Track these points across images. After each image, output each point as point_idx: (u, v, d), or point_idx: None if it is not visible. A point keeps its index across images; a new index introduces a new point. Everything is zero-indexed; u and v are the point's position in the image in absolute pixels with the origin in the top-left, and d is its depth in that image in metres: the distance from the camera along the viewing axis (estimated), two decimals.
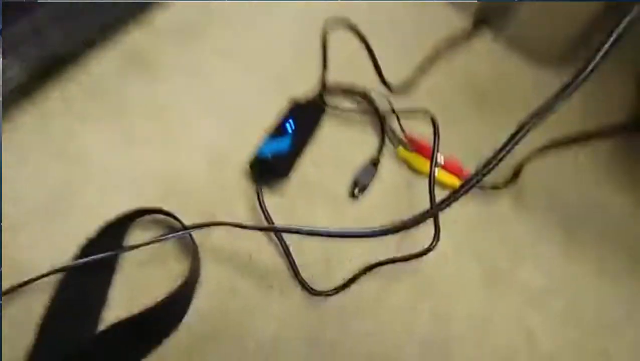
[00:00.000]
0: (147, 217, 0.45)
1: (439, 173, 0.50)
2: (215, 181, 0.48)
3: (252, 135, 0.51)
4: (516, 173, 0.50)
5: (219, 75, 0.55)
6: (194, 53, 0.56)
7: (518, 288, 0.48)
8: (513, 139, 0.47)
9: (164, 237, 0.42)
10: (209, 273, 0.44)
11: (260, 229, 0.45)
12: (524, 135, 0.46)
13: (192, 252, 0.42)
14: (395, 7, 0.63)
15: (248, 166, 0.48)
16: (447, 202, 0.34)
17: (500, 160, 0.33)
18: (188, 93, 0.53)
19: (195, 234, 0.44)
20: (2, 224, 0.42)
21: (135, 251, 0.42)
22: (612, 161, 0.56)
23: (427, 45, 0.60)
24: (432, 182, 0.47)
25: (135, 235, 0.44)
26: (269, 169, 0.47)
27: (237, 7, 0.60)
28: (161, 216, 0.45)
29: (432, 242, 0.44)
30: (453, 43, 0.59)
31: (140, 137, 0.49)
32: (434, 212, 0.35)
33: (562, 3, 0.54)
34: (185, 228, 0.42)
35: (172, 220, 0.44)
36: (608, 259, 0.51)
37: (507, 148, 0.34)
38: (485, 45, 0.62)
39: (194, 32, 0.57)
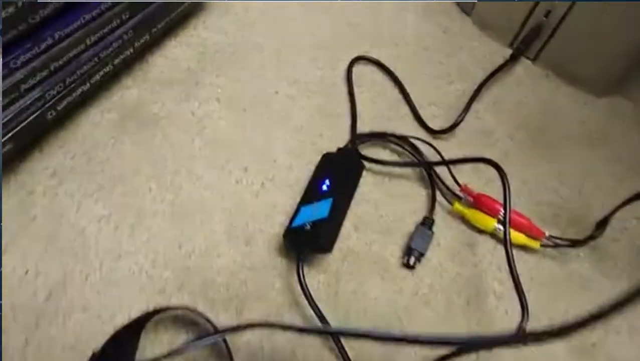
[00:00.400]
0: (167, 314, 0.36)
1: (510, 232, 0.42)
2: (240, 260, 0.40)
3: (281, 199, 0.43)
4: (600, 227, 0.42)
5: (231, 129, 0.47)
6: (198, 104, 0.48)
7: None
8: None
9: (190, 344, 0.33)
10: None
11: (311, 331, 0.36)
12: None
13: (229, 357, 0.34)
14: (424, 40, 0.56)
15: (282, 239, 0.40)
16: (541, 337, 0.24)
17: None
18: (196, 153, 0.45)
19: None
20: None
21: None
22: None
23: (465, 80, 0.53)
24: (510, 257, 0.39)
25: (151, 341, 0.36)
26: (308, 242, 0.39)
27: (239, 46, 0.52)
28: (183, 313, 0.36)
29: (521, 326, 0.36)
30: (493, 75, 0.52)
31: (145, 212, 0.41)
32: (524, 339, 0.25)
33: (608, 22, 0.48)
34: (216, 331, 0.33)
35: (195, 316, 0.36)
36: None
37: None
38: (528, 74, 0.55)
39: (194, 80, 0.49)
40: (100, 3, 0.41)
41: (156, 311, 0.35)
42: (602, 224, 0.42)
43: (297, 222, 0.39)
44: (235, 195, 0.43)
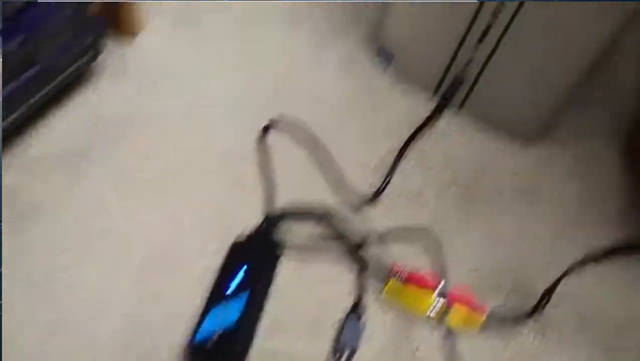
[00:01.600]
0: None
1: (450, 312, 0.38)
2: None
3: (183, 300, 0.37)
4: (544, 298, 0.39)
5: (123, 220, 0.41)
6: (87, 186, 0.42)
7: None
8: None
9: None
10: None
11: None
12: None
13: None
14: (345, 97, 0.52)
15: (182, 354, 0.34)
16: None
17: None
18: (79, 247, 0.38)
19: None
20: None
21: None
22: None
23: (390, 138, 0.49)
24: (450, 344, 0.35)
25: None
26: (215, 357, 0.33)
27: (134, 117, 0.47)
28: None
29: None
30: (419, 130, 0.49)
31: (21, 315, 0.34)
32: None
33: (528, 69, 0.46)
34: None
35: None
36: None
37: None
38: (455, 125, 0.52)
39: (84, 158, 0.43)
40: None
41: None
42: (545, 295, 0.39)
43: (202, 335, 0.34)
44: (128, 300, 0.37)
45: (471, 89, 0.50)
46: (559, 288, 0.40)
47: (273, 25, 0.56)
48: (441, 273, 0.39)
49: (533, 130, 0.52)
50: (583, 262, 0.36)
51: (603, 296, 0.43)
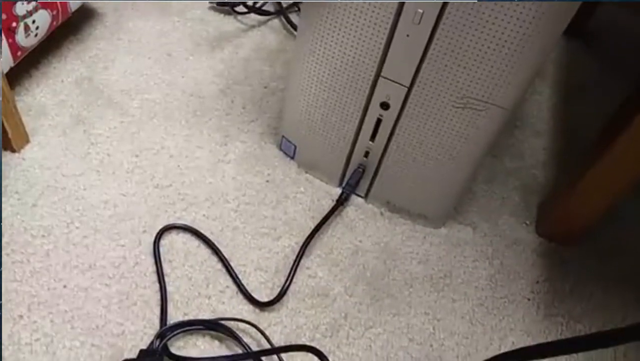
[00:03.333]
0: None
1: None
2: None
3: None
4: None
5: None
6: None
7: None
8: None
9: None
10: None
11: None
12: None
13: None
14: (245, 194, 0.51)
15: None
16: None
17: None
18: None
19: None
20: None
21: None
22: None
23: (293, 233, 0.49)
24: None
25: None
26: None
27: (23, 237, 0.44)
28: None
29: None
30: (324, 222, 0.49)
31: None
32: None
33: (425, 154, 0.47)
34: None
35: None
36: None
37: None
38: (361, 214, 0.52)
39: None
40: None
41: None
42: None
43: None
44: None
45: (374, 176, 0.51)
46: None
47: (173, 123, 0.56)
48: None
49: (439, 212, 0.52)
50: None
51: None
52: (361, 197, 0.53)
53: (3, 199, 0.46)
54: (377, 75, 0.44)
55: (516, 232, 0.53)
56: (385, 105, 0.45)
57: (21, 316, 0.40)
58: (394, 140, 0.47)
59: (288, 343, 0.41)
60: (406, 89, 0.43)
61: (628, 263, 0.52)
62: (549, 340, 0.44)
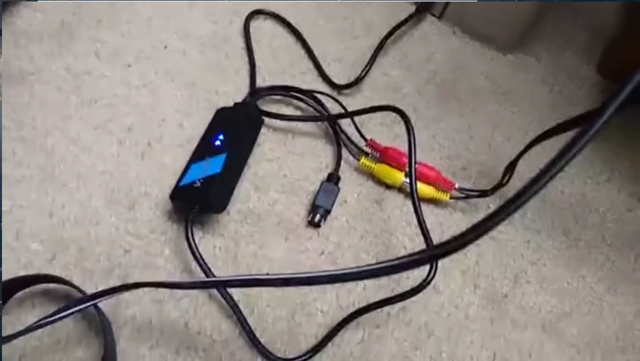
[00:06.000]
0: (33, 289, 0.33)
1: (416, 185, 0.41)
2: (123, 226, 0.37)
3: (169, 159, 0.40)
4: (507, 174, 0.43)
5: (113, 87, 0.43)
6: (73, 59, 0.44)
7: (525, 315, 0.40)
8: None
9: (56, 316, 0.29)
10: (130, 354, 0.33)
11: (190, 286, 0.34)
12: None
13: (103, 329, 0.31)
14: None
15: (169, 200, 0.37)
16: (448, 247, 0.24)
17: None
18: (71, 113, 0.41)
19: (106, 305, 0.33)
20: None
21: (20, 340, 0.30)
22: (605, 149, 0.51)
23: (370, 35, 0.52)
24: (418, 210, 0.39)
25: (19, 316, 0.32)
26: (198, 201, 0.36)
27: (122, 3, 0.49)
28: (53, 285, 0.33)
29: (427, 278, 0.36)
30: (398, 29, 0.52)
31: (7, 178, 0.37)
32: (433, 254, 0.25)
33: None
34: (88, 298, 0.30)
35: (68, 288, 0.32)
36: (617, 260, 0.45)
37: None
38: (435, 30, 0.55)
39: (69, 33, 0.45)
40: None
41: (17, 284, 0.31)
42: (508, 170, 0.43)
43: (186, 180, 0.37)
44: (117, 158, 0.40)
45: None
46: (525, 172, 0.45)
47: None
48: (410, 152, 0.42)
49: (509, 39, 0.55)
50: (546, 135, 0.40)
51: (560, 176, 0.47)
52: (436, 16, 0.56)
53: None
54: None
55: (578, 68, 0.57)
56: None
57: (129, 65, 0.45)
58: None
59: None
60: None
61: None
62: None
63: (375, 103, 0.46)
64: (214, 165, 0.38)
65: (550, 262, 0.43)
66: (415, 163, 0.40)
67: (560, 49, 0.58)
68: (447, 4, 0.55)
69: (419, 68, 0.52)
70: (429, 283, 0.37)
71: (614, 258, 0.45)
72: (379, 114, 0.46)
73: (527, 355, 0.39)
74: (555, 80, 0.55)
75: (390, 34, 0.52)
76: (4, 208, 0.36)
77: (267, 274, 0.36)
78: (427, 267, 0.38)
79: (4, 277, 0.32)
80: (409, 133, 0.40)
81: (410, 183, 0.40)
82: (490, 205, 0.45)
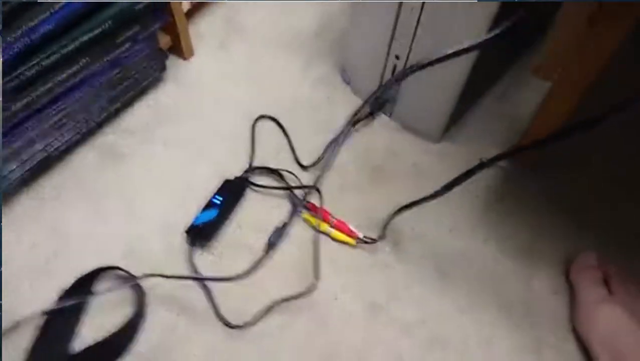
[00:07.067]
0: (110, 273, 0.65)
1: (334, 232, 0.69)
2: (164, 245, 0.68)
3: (192, 209, 0.71)
4: (383, 230, 0.69)
5: (170, 163, 0.76)
6: (150, 144, 0.77)
7: (394, 319, 0.65)
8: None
9: (117, 288, 0.61)
10: (156, 314, 0.63)
11: (169, 277, 0.64)
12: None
13: (138, 297, 0.62)
14: (312, 103, 0.84)
15: (185, 233, 0.68)
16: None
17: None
18: (146, 179, 0.74)
19: (145, 284, 0.64)
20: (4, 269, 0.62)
21: (100, 297, 0.62)
22: (469, 208, 0.74)
23: (334, 130, 0.80)
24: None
25: (100, 286, 0.64)
26: (199, 234, 0.67)
27: (183, 107, 0.82)
28: (120, 272, 0.65)
29: (311, 285, 0.64)
30: (353, 125, 0.80)
31: (110, 213, 0.70)
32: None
33: (432, 91, 0.74)
34: (134, 278, 0.62)
35: (127, 274, 0.64)
36: (472, 296, 0.68)
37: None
38: (384, 127, 0.82)
39: (151, 129, 0.79)
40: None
41: (101, 269, 0.64)
42: (384, 228, 0.69)
43: (194, 222, 0.68)
44: (165, 206, 0.72)
45: (395, 102, 0.80)
46: (408, 225, 0.70)
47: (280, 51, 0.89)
48: (338, 212, 0.69)
49: (438, 133, 0.80)
50: (407, 206, 0.65)
51: (435, 227, 0.72)
52: (387, 115, 0.83)
53: (177, 87, 0.84)
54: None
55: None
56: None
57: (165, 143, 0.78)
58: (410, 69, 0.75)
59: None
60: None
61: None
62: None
63: (327, 180, 0.74)
64: (212, 214, 0.68)
65: (421, 288, 0.68)
66: (332, 219, 0.67)
67: (480, 137, 0.81)
68: (393, 105, 0.81)
69: (363, 154, 0.79)
70: (314, 288, 0.64)
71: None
72: (325, 185, 0.74)
73: (387, 347, 0.64)
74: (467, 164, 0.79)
75: (347, 128, 0.80)
76: (108, 223, 0.69)
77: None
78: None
79: (97, 265, 0.64)
80: (320, 200, 0.67)
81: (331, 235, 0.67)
82: (386, 248, 0.70)
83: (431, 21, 0.67)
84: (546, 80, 0.61)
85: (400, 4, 0.68)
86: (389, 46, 0.74)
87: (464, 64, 0.68)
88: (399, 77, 0.74)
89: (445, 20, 0.65)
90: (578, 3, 0.56)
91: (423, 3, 0.65)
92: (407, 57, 0.73)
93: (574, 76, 0.63)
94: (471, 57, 0.66)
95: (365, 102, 0.80)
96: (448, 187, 0.59)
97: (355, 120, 0.81)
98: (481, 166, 0.55)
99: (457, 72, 0.69)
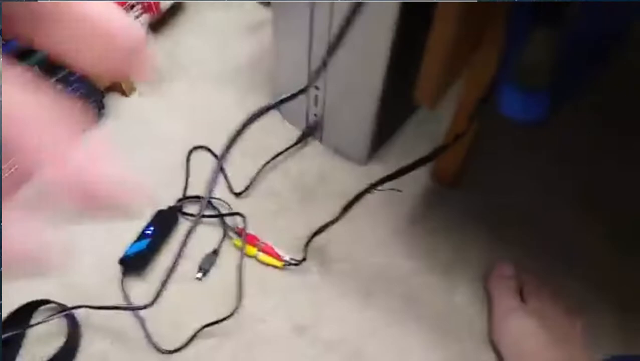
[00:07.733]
0: (48, 305, 0.69)
1: (261, 256, 0.73)
2: (99, 276, 0.72)
3: (127, 239, 0.75)
4: (305, 249, 0.73)
5: None
6: None
7: (318, 338, 0.69)
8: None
9: (49, 320, 0.65)
10: (90, 343, 0.67)
11: (96, 308, 0.67)
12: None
13: (70, 327, 0.65)
14: (246, 133, 0.88)
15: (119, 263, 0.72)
16: None
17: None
18: (83, 212, 0.78)
19: (79, 315, 0.67)
20: None
21: (36, 329, 0.66)
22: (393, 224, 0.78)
23: (266, 155, 0.85)
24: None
25: (37, 318, 0.68)
26: (132, 264, 0.71)
27: (121, 143, 0.86)
28: (53, 304, 0.68)
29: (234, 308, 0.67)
30: (285, 151, 0.84)
31: None
32: None
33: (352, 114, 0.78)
34: (65, 309, 0.65)
35: (59, 306, 0.68)
36: (394, 312, 0.72)
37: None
38: (315, 152, 0.86)
39: None
40: None
41: (38, 303, 0.67)
42: (305, 249, 0.73)
43: (125, 254, 0.72)
44: (103, 239, 0.75)
45: (324, 128, 0.85)
46: (334, 247, 0.74)
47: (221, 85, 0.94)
48: (268, 235, 0.73)
49: (361, 154, 0.84)
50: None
51: (360, 244, 0.76)
52: (317, 139, 0.87)
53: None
54: None
55: (419, 175, 0.84)
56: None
57: None
58: (328, 90, 0.79)
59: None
60: None
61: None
62: None
63: (259, 205, 0.78)
64: (143, 244, 0.72)
65: (347, 305, 0.72)
66: (260, 243, 0.71)
67: (408, 156, 0.86)
68: (321, 131, 0.85)
69: (295, 179, 0.83)
70: (235, 310, 0.68)
71: None
72: (252, 212, 0.78)
73: None
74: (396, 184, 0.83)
75: (279, 154, 0.84)
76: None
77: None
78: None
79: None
80: (245, 225, 0.72)
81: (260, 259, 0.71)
82: (312, 268, 0.74)
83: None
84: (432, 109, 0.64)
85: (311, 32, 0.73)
86: (308, 76, 0.79)
87: (377, 80, 0.72)
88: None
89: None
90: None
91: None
92: (325, 89, 0.78)
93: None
94: (383, 73, 0.71)
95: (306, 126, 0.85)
96: (346, 208, 0.64)
97: (287, 147, 0.85)
98: (373, 186, 0.60)
99: (373, 89, 0.74)
